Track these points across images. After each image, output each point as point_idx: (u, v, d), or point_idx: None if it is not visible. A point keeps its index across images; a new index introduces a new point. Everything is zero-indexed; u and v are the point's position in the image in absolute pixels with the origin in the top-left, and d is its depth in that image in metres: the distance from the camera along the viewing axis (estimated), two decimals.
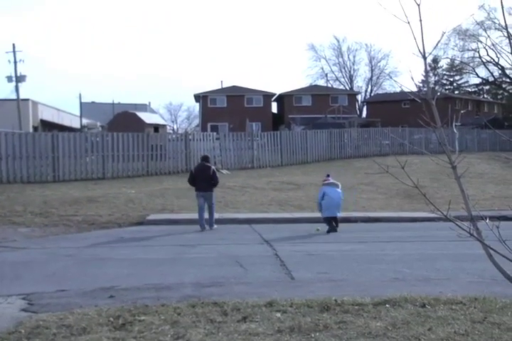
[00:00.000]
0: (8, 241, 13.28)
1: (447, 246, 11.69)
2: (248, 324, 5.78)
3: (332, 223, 14.48)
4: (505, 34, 58.68)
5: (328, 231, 14.28)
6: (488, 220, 4.67)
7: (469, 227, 4.55)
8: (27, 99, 51.94)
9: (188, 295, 7.34)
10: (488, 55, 64.15)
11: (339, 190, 14.88)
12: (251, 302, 6.62)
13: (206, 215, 15.24)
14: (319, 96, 62.75)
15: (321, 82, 79.30)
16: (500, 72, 67.89)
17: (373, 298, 6.75)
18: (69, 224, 15.66)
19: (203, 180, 15.04)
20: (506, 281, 4.94)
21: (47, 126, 52.80)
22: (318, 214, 16.58)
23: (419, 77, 63.03)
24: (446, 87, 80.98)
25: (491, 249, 4.64)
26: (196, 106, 75.92)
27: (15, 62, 51.55)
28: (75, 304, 6.99)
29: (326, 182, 15.12)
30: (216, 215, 15.74)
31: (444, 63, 79.40)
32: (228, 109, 59.63)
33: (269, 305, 6.46)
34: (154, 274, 9.30)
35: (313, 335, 5.37)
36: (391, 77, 77.88)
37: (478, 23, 58.45)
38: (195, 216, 16.18)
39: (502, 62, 63.87)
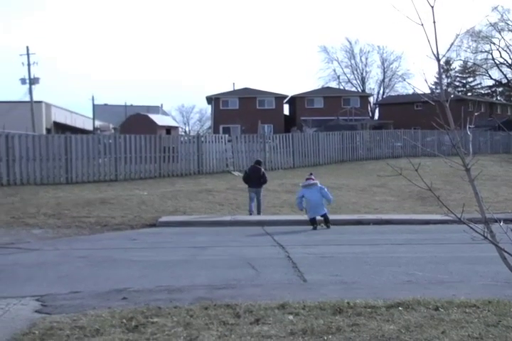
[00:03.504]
0: (21, 243, 13.34)
1: (460, 249, 11.61)
2: (261, 326, 5.77)
3: (315, 223, 15.52)
4: None
5: (313, 229, 15.44)
6: (502, 223, 4.64)
7: (483, 230, 4.53)
8: (40, 102, 52.28)
9: (201, 297, 7.34)
10: (501, 56, 63.98)
11: (318, 186, 15.87)
12: (263, 304, 6.61)
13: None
14: (331, 98, 62.69)
15: (333, 84, 79.37)
16: None
17: (386, 300, 6.72)
18: (82, 226, 15.72)
19: (255, 178, 18.23)
20: None
21: (60, 128, 53.16)
22: (329, 217, 16.64)
23: (431, 78, 62.93)
24: (459, 89, 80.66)
25: (505, 251, 4.61)
26: (208, 108, 76.17)
27: (28, 65, 51.94)
28: (88, 306, 7.01)
29: (305, 183, 16.12)
30: (228, 217, 17.00)
31: (456, 65, 79.27)
32: (240, 111, 59.69)
33: (282, 308, 6.45)
34: (167, 276, 9.31)
35: (325, 338, 5.36)
36: (404, 79, 77.74)
37: (491, 25, 58.26)
38: (207, 218, 16.83)
39: None
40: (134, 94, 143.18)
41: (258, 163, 19.09)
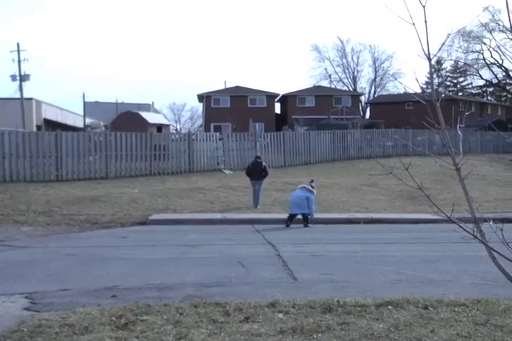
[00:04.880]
0: (11, 240, 13.29)
1: (450, 248, 11.67)
2: (250, 324, 5.77)
3: (290, 220, 15.86)
4: (510, 36, 58.70)
5: (286, 226, 15.81)
6: (491, 222, 4.66)
7: (473, 229, 4.55)
8: (31, 98, 51.98)
9: (191, 295, 7.33)
10: (492, 56, 64.25)
11: (308, 193, 16.04)
12: (253, 302, 6.61)
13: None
14: (323, 97, 62.67)
15: (325, 83, 79.31)
16: (504, 74, 67.89)
17: (376, 299, 6.74)
18: (72, 224, 15.67)
19: (256, 171, 19.62)
20: (509, 283, 4.94)
21: (50, 125, 52.85)
22: (320, 216, 16.79)
23: (422, 78, 63.08)
24: (450, 89, 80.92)
25: (495, 251, 4.63)
26: (199, 107, 75.94)
27: (19, 61, 51.59)
28: (78, 303, 6.99)
29: (303, 185, 16.69)
30: (219, 215, 17.13)
31: (447, 65, 79.52)
32: (231, 109, 59.57)
33: (272, 306, 6.45)
34: (157, 274, 9.30)
35: (315, 336, 5.36)
36: (396, 79, 78.00)
37: (482, 25, 58.44)
38: (197, 216, 16.73)
39: (506, 64, 63.90)
40: (125, 92, 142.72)
41: (258, 157, 20.78)
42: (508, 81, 70.77)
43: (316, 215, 16.28)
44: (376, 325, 5.67)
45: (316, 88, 70.29)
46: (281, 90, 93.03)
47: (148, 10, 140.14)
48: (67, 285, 8.31)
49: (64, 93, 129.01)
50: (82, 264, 10.26)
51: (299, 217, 15.87)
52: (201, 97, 63.78)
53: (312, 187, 16.47)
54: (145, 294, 7.55)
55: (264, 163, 20.31)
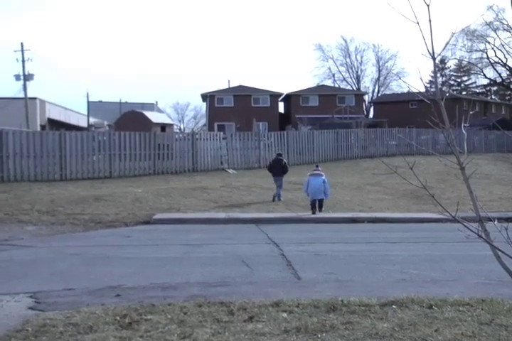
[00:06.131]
0: (15, 239, 13.31)
1: (454, 248, 11.65)
2: (255, 324, 5.77)
3: (314, 207, 17.39)
4: None
5: (312, 213, 17.32)
6: (496, 221, 4.65)
7: (477, 229, 4.53)
8: (35, 98, 52.09)
9: (195, 295, 7.33)
10: (496, 55, 64.15)
11: (322, 177, 17.91)
12: (257, 302, 6.61)
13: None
14: (326, 97, 62.63)
15: (328, 82, 79.26)
16: (508, 72, 67.77)
17: (380, 298, 6.73)
18: (76, 223, 15.69)
19: (277, 168, 20.72)
20: None
21: (54, 124, 52.95)
22: (324, 215, 16.80)
23: (426, 77, 63.08)
24: (454, 88, 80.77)
25: (499, 250, 4.61)
26: (203, 106, 75.95)
27: (23, 61, 51.72)
28: (82, 303, 7.00)
29: (312, 172, 18.32)
30: (222, 215, 17.14)
31: (451, 64, 79.36)
32: (235, 108, 59.58)
33: (276, 305, 6.45)
34: (161, 273, 9.30)
35: (319, 336, 5.36)
36: (400, 78, 77.77)
37: (486, 24, 58.37)
38: (201, 215, 16.77)
39: (510, 63, 63.85)
40: (128, 91, 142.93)
41: (280, 154, 22.15)
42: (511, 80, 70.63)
43: (320, 214, 16.36)
44: (380, 325, 5.66)
45: (320, 87, 70.25)
46: (285, 89, 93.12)
47: (152, 9, 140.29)
48: (71, 284, 8.32)
49: (68, 93, 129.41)
50: (86, 264, 10.27)
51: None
52: (205, 97, 63.81)
53: (319, 170, 18.21)
54: (149, 293, 7.56)
55: (284, 160, 21.40)
